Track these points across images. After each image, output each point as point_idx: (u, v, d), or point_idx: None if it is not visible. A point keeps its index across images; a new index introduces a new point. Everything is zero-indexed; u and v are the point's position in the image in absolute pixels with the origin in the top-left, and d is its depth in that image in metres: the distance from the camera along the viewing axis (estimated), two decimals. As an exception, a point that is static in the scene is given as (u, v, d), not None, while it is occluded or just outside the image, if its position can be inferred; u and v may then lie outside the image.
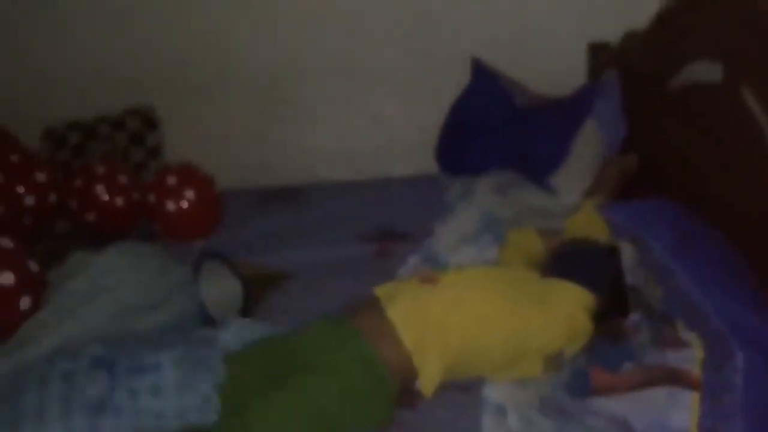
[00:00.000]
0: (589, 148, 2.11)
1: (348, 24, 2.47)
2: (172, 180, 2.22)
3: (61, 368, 1.41)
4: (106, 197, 2.28)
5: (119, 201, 2.29)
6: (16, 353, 1.60)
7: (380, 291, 1.53)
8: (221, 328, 1.58)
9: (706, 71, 1.62)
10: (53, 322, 1.70)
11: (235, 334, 1.55)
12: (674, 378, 1.28)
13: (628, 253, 1.52)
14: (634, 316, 1.47)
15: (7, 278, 1.66)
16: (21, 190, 2.22)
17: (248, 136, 2.68)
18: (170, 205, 2.19)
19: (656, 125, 1.96)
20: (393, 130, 2.62)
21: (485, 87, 2.40)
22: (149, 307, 1.82)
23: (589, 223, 1.60)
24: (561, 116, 2.20)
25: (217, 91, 2.61)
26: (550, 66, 2.43)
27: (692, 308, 1.34)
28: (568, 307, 1.43)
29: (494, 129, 2.33)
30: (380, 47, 2.50)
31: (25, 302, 1.69)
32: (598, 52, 2.34)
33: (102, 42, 2.54)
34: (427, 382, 1.41)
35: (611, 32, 2.30)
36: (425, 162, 2.51)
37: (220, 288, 1.85)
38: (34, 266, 1.74)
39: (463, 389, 1.51)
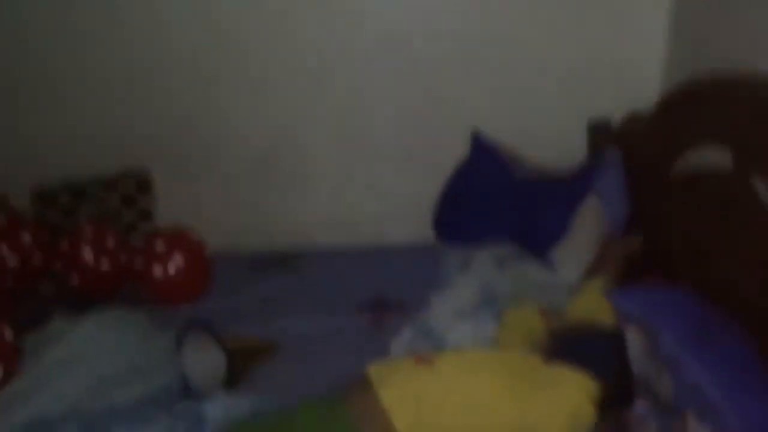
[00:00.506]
0: (590, 223, 2.07)
1: (347, 94, 2.46)
2: (160, 245, 2.16)
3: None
4: (92, 260, 2.21)
5: (105, 264, 2.22)
6: (-14, 425, 1.52)
7: (373, 371, 1.45)
8: (207, 402, 1.50)
9: (714, 158, 1.60)
10: (27, 392, 1.63)
11: (221, 409, 1.48)
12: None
13: (634, 341, 1.45)
14: (641, 408, 1.39)
15: (-21, 347, 1.57)
16: (5, 250, 2.16)
17: (243, 201, 2.63)
18: (157, 271, 2.13)
19: (662, 208, 1.94)
20: (389, 198, 2.59)
21: (484, 159, 2.39)
22: (128, 379, 1.75)
23: (593, 307, 1.54)
24: (562, 191, 2.17)
25: (214, 156, 2.57)
26: (551, 142, 2.41)
27: (706, 404, 1.26)
28: (572, 396, 1.35)
29: (492, 201, 2.31)
30: (379, 117, 2.49)
31: (-3, 372, 1.60)
32: (599, 130, 2.33)
33: (98, 105, 2.51)
34: None
35: (612, 109, 2.31)
36: (422, 230, 2.47)
37: (204, 360, 1.77)
38: (8, 334, 1.68)
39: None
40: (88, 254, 2.21)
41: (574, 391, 1.36)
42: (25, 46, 2.42)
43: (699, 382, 1.28)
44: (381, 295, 2.18)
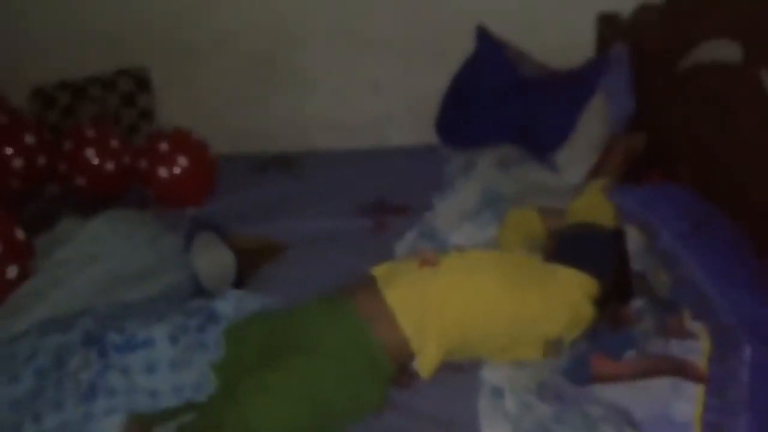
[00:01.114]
0: (595, 124, 2.06)
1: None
2: (164, 146, 2.16)
3: (53, 342, 1.40)
4: (96, 161, 2.23)
5: (110, 165, 2.24)
6: (6, 323, 1.58)
7: (378, 271, 1.49)
8: (218, 298, 1.54)
9: (723, 51, 1.56)
10: (42, 291, 1.68)
11: (232, 305, 1.52)
12: (679, 369, 1.25)
13: (634, 238, 1.48)
14: (638, 303, 1.44)
15: (-7, 247, 1.61)
16: (9, 151, 2.16)
17: (244, 102, 2.60)
18: (162, 171, 2.14)
19: (666, 104, 1.91)
20: (392, 98, 2.55)
21: (490, 56, 2.32)
22: (140, 278, 1.80)
23: (594, 207, 1.56)
24: (567, 90, 2.13)
25: (214, 55, 2.52)
26: (558, 37, 2.35)
27: (700, 299, 1.31)
28: (571, 293, 1.40)
29: (498, 100, 2.26)
30: (382, 13, 2.41)
31: (12, 271, 1.67)
32: (607, 24, 2.26)
33: (95, 1, 2.44)
34: (426, 365, 1.39)
35: (623, 4, 2.22)
36: (425, 132, 2.45)
37: (213, 259, 1.81)
38: (20, 234, 1.71)
39: (460, 370, 1.49)
40: (92, 156, 2.21)
41: (573, 288, 1.41)
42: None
43: (694, 276, 1.32)
44: (383, 198, 2.20)
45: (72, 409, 1.29)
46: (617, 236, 1.50)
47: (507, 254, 1.53)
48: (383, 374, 1.39)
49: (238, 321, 1.47)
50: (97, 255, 1.80)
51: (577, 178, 2.02)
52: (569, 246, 1.49)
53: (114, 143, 2.26)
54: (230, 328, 1.44)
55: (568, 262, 1.45)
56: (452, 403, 1.42)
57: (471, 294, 1.40)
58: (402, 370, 1.43)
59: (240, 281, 1.80)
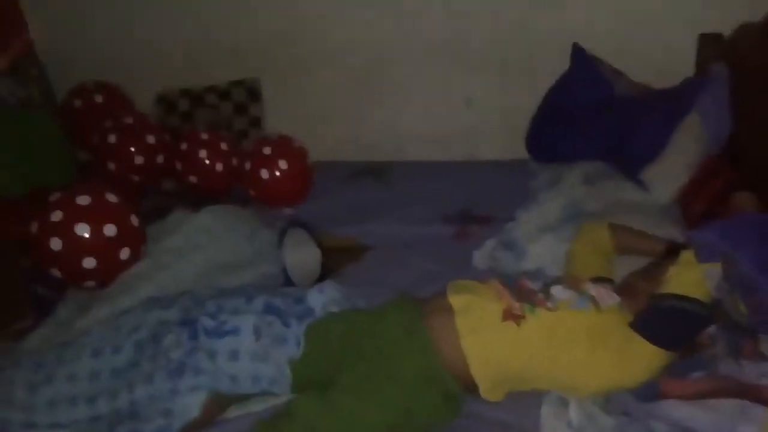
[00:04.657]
0: (689, 142, 2.00)
1: (447, 7, 2.46)
2: (267, 149, 2.32)
3: (154, 318, 1.54)
4: (207, 162, 2.42)
5: (219, 166, 2.43)
6: (116, 299, 1.76)
7: (456, 302, 1.47)
8: (311, 290, 1.61)
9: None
10: (150, 273, 1.85)
11: (322, 301, 1.58)
12: (746, 392, 1.22)
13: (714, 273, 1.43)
14: (712, 329, 1.40)
15: (111, 230, 1.80)
16: (132, 149, 2.40)
17: (344, 113, 2.75)
18: (264, 173, 2.30)
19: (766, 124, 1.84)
20: (484, 113, 2.60)
21: (585, 73, 2.32)
22: (237, 267, 1.95)
23: (696, 286, 1.42)
24: (662, 107, 2.09)
25: (319, 69, 2.68)
26: (657, 57, 2.32)
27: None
28: (644, 370, 1.38)
29: (591, 117, 2.25)
30: (477, 32, 2.48)
31: (125, 253, 1.84)
32: (709, 44, 2.20)
33: (212, 16, 2.67)
34: (490, 398, 1.44)
35: (726, 24, 2.16)
36: (515, 147, 2.47)
37: (301, 255, 1.93)
38: (135, 220, 1.88)
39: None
40: (204, 156, 2.41)
41: (650, 363, 1.38)
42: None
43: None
44: (468, 208, 2.25)
45: (161, 383, 1.40)
46: (709, 318, 1.42)
47: (596, 318, 1.43)
48: (454, 401, 1.41)
49: (321, 318, 1.53)
50: (200, 244, 1.96)
51: (666, 197, 1.99)
52: (660, 316, 1.42)
53: (223, 146, 2.45)
54: (313, 325, 1.51)
55: (657, 331, 1.39)
56: (516, 408, 1.44)
57: (547, 364, 1.40)
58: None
59: (323, 277, 1.90)
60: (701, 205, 1.84)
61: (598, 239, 1.71)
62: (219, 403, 1.46)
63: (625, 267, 1.65)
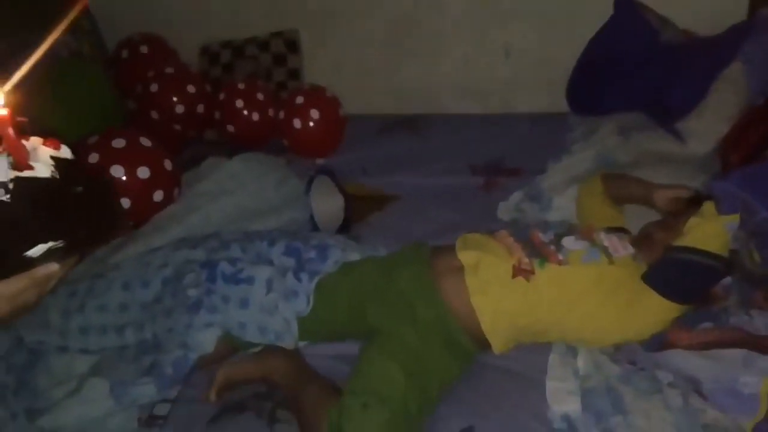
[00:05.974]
0: (729, 93, 1.91)
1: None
2: (300, 99, 2.35)
3: (182, 256, 1.61)
4: (244, 111, 2.47)
5: (255, 116, 2.47)
6: (148, 238, 1.84)
7: (466, 259, 1.46)
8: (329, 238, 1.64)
9: None
10: (181, 215, 1.92)
11: (339, 248, 1.60)
12: (751, 342, 1.18)
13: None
14: (727, 281, 1.35)
15: (144, 173, 1.88)
16: (174, 99, 2.47)
17: (381, 64, 2.73)
18: (297, 123, 2.33)
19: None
20: (523, 64, 2.54)
21: (629, 21, 2.22)
22: (264, 213, 2.00)
23: (715, 238, 1.37)
24: (704, 56, 1.99)
25: (357, 19, 2.67)
26: (706, 2, 2.19)
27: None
28: (657, 321, 1.37)
29: (633, 68, 2.16)
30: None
31: (158, 195, 1.91)
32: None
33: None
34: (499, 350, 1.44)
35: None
36: (553, 99, 2.41)
37: (326, 202, 1.97)
38: (168, 164, 1.95)
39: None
40: (240, 105, 2.46)
41: (662, 315, 1.36)
42: None
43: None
44: (499, 160, 2.23)
45: (178, 316, 1.47)
46: (726, 271, 1.38)
47: (608, 270, 1.41)
48: (464, 353, 1.42)
49: (332, 273, 1.53)
50: (230, 189, 2.02)
51: (702, 149, 1.91)
52: (672, 269, 1.39)
53: (260, 96, 2.49)
54: (324, 280, 1.51)
55: (666, 285, 1.37)
56: (523, 356, 1.44)
57: (556, 316, 1.39)
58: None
59: (347, 224, 1.94)
60: (738, 156, 1.75)
61: (594, 189, 1.69)
62: (229, 345, 1.50)
63: (646, 219, 1.60)
